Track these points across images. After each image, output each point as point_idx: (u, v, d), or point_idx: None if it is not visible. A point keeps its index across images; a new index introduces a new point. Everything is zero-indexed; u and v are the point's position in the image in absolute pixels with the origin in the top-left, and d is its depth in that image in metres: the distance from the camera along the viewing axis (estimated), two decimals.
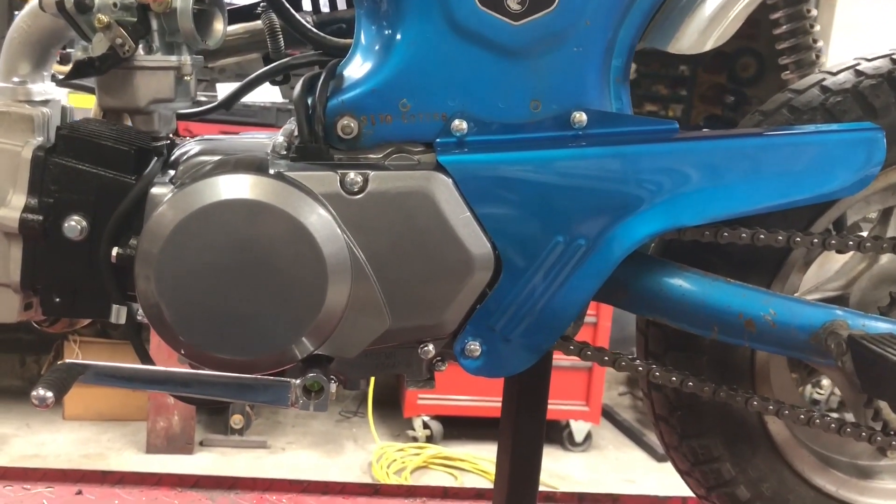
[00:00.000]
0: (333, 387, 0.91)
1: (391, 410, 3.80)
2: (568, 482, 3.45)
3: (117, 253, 0.93)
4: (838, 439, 1.09)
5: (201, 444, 3.47)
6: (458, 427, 3.63)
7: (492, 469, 3.42)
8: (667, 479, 3.66)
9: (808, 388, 1.34)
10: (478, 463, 3.48)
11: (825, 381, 1.36)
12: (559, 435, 3.73)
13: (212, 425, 3.56)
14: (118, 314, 0.95)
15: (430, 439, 3.62)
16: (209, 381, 0.90)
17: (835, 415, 1.06)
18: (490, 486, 3.39)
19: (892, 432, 1.05)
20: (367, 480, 3.33)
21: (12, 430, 3.46)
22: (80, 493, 1.58)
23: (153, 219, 0.88)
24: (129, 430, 3.54)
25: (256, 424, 3.62)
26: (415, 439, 3.61)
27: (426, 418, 3.62)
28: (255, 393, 0.89)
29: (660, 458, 3.63)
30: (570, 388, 3.63)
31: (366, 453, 3.54)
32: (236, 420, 3.48)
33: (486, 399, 3.44)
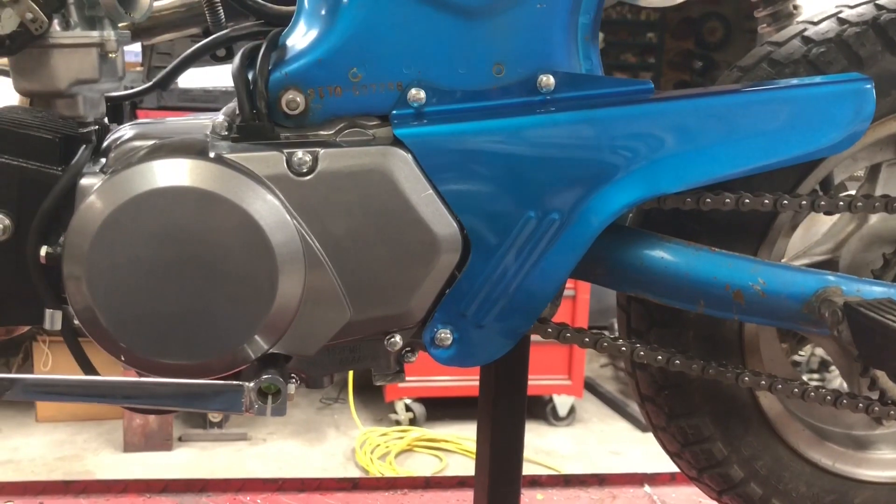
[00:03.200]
0: (292, 387, 0.84)
1: (372, 395, 3.74)
2: (553, 457, 3.43)
3: (46, 252, 0.84)
4: (833, 411, 1.04)
5: (180, 439, 3.39)
6: (441, 408, 3.59)
7: None
8: (653, 449, 3.66)
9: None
10: (462, 443, 3.44)
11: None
12: (542, 410, 3.70)
13: (190, 420, 3.49)
14: (52, 319, 0.86)
15: (413, 422, 3.57)
16: (154, 389, 0.81)
17: (816, 378, 1.01)
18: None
19: (889, 401, 1.00)
20: (351, 467, 3.28)
21: None
22: None
23: (80, 212, 0.79)
24: (105, 429, 3.45)
25: (236, 416, 3.55)
26: (398, 423, 3.57)
27: (408, 401, 3.57)
28: (204, 399, 0.81)
29: (644, 429, 3.62)
30: (551, 362, 3.60)
31: (349, 440, 3.48)
32: (214, 413, 3.41)
33: (469, 378, 3.41)
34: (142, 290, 0.80)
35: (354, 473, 3.21)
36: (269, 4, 0.98)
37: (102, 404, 2.96)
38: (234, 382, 0.81)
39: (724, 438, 1.06)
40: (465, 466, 3.31)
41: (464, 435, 3.48)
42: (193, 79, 3.27)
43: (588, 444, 3.61)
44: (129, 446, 3.30)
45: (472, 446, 3.36)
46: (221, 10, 1.02)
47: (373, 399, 3.75)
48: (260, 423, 3.58)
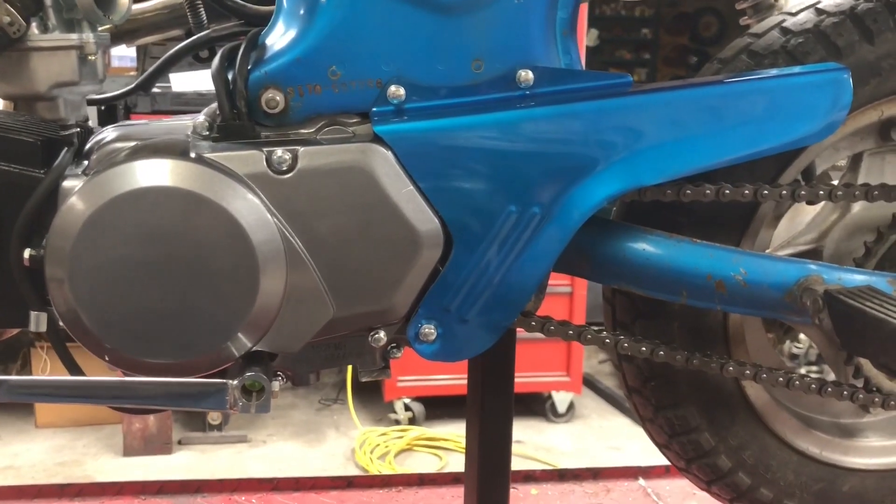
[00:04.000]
0: (277, 385, 0.84)
1: (371, 395, 3.75)
2: (553, 454, 3.43)
3: (30, 255, 0.84)
4: (819, 399, 1.04)
5: (180, 442, 3.39)
6: (440, 407, 3.59)
7: None
8: (651, 444, 3.66)
9: (787, 343, 1.29)
10: (462, 442, 3.43)
11: (803, 336, 1.31)
12: (542, 407, 3.70)
13: (190, 423, 3.49)
14: (37, 321, 0.87)
15: (412, 421, 3.57)
16: (138, 388, 0.82)
17: (814, 370, 1.01)
18: None
19: (873, 389, 1.01)
20: (351, 467, 3.28)
21: None
22: None
23: (61, 213, 0.80)
24: (105, 433, 3.45)
25: (235, 418, 3.55)
26: (397, 422, 3.57)
27: (407, 400, 3.57)
28: (188, 398, 0.81)
29: None
30: (550, 359, 3.60)
31: (348, 440, 3.49)
32: (214, 416, 3.41)
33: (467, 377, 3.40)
34: (124, 290, 0.80)
35: (354, 473, 3.22)
36: (249, 5, 0.98)
37: (99, 407, 2.94)
38: (218, 381, 0.82)
39: (710, 429, 1.06)
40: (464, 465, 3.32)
41: (463, 433, 3.48)
42: (187, 83, 3.28)
43: (587, 441, 3.61)
44: (128, 450, 3.31)
45: None
46: (203, 12, 1.02)
47: (372, 399, 3.75)
48: (259, 425, 3.58)
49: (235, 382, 0.82)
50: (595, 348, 4.37)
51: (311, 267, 0.84)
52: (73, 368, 0.89)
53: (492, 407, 1.08)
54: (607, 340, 0.97)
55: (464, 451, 3.44)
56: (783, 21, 1.00)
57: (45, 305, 0.87)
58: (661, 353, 0.97)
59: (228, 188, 0.80)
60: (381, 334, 0.91)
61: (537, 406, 3.72)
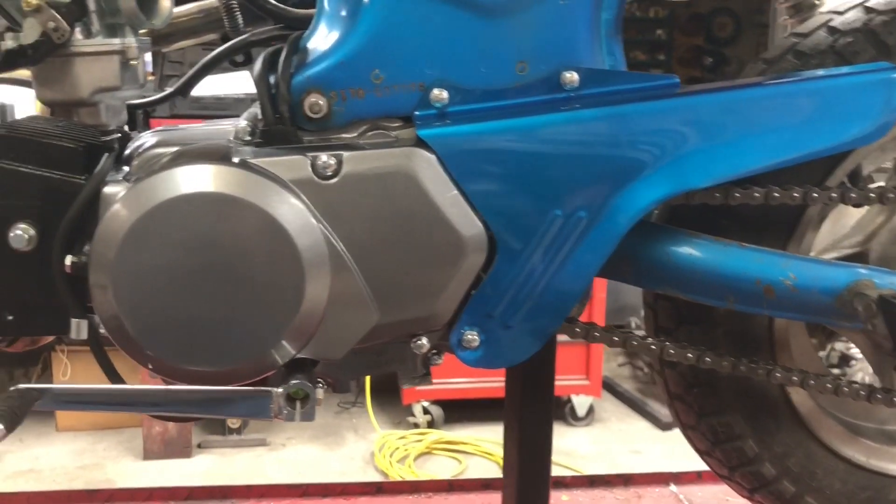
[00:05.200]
0: (320, 392, 0.83)
1: (390, 398, 3.73)
2: (573, 457, 3.41)
3: (72, 262, 0.84)
4: (865, 406, 1.02)
5: (199, 446, 3.39)
6: (458, 410, 3.57)
7: (496, 451, 3.37)
8: (672, 448, 3.65)
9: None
10: (481, 445, 3.42)
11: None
12: (561, 410, 3.68)
13: (209, 426, 3.49)
14: (78, 329, 0.86)
15: (431, 424, 3.56)
16: (182, 397, 0.81)
17: (838, 373, 0.99)
18: (496, 468, 3.35)
19: None
20: (370, 471, 3.27)
21: (4, 445, 3.37)
22: None
23: (105, 220, 0.79)
24: (125, 437, 3.46)
25: (255, 422, 3.55)
26: (416, 426, 3.55)
27: (426, 403, 3.56)
28: (233, 407, 0.80)
29: (663, 427, 3.60)
30: (569, 362, 3.58)
31: (367, 443, 3.48)
32: (233, 420, 3.41)
33: (486, 380, 3.39)
34: (169, 297, 0.79)
35: (374, 477, 3.21)
36: (288, 8, 0.97)
37: (126, 413, 2.96)
38: (263, 388, 0.80)
39: (755, 436, 1.05)
40: (484, 469, 3.30)
41: (482, 437, 3.47)
42: (205, 87, 3.28)
43: (607, 444, 3.59)
44: (148, 454, 3.31)
45: (492, 448, 3.37)
46: (239, 16, 1.01)
47: (390, 402, 3.74)
48: (278, 429, 3.58)
49: (280, 390, 0.81)
50: (614, 352, 4.34)
51: (356, 273, 0.83)
52: (114, 376, 0.88)
53: (531, 412, 1.06)
54: (653, 347, 0.95)
55: (483, 454, 3.42)
56: (830, 20, 0.98)
57: (86, 312, 0.86)
58: (708, 359, 0.95)
59: (275, 194, 0.79)
60: (424, 341, 0.89)
61: (557, 409, 3.69)
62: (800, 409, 1.05)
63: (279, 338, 0.81)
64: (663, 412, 3.71)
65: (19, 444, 3.40)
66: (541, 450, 1.08)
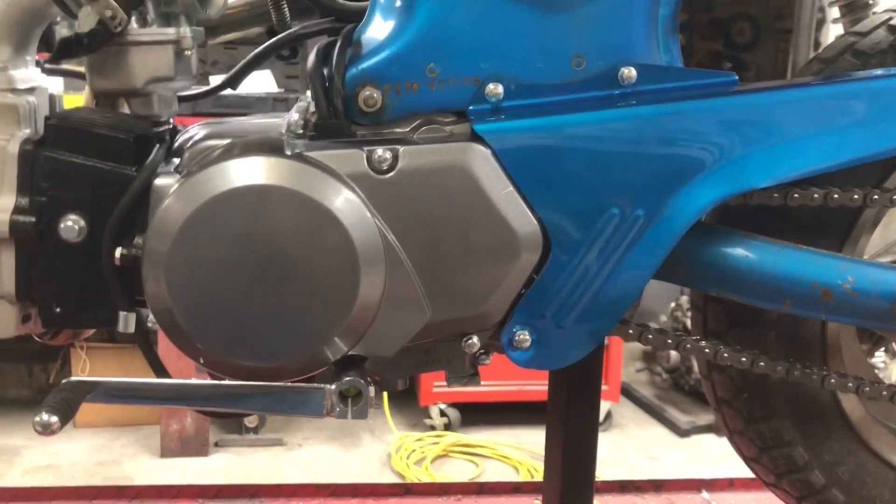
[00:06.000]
0: (372, 390, 0.82)
1: (407, 399, 3.72)
2: None
3: (121, 254, 0.82)
4: None
5: (216, 445, 3.39)
6: (475, 413, 3.56)
7: (513, 455, 3.35)
8: (690, 454, 3.62)
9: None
10: (498, 448, 3.40)
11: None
12: None
13: (226, 425, 3.48)
14: (126, 322, 0.85)
15: (448, 427, 3.54)
16: (233, 392, 0.80)
17: None
18: (513, 472, 3.33)
19: None
20: (387, 472, 3.26)
21: (23, 440, 3.38)
22: None
23: (159, 213, 0.78)
24: (143, 434, 3.46)
25: (271, 422, 3.54)
26: (433, 428, 3.54)
27: (443, 406, 3.54)
28: (284, 403, 0.79)
29: (681, 434, 3.57)
30: None
31: (384, 445, 3.46)
32: (251, 418, 3.40)
33: (503, 384, 3.38)
34: (222, 291, 0.78)
35: (390, 479, 3.19)
36: (340, 1, 0.96)
37: (137, 408, 2.93)
38: (317, 385, 0.79)
39: (805, 443, 1.02)
40: (501, 472, 3.28)
41: (500, 440, 3.45)
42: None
43: (626, 450, 3.56)
44: (165, 452, 3.30)
45: (508, 452, 3.35)
46: (286, 9, 1.00)
47: (407, 404, 3.72)
48: (295, 428, 3.57)
49: (333, 387, 0.79)
50: (631, 357, 4.32)
51: (409, 269, 0.82)
52: (161, 371, 0.87)
53: (578, 415, 1.04)
54: (706, 350, 0.93)
55: (500, 458, 3.39)
56: (891, 19, 0.96)
57: (134, 306, 0.85)
58: (762, 363, 0.93)
59: (330, 187, 0.78)
60: (475, 340, 0.88)
61: None
62: (851, 416, 1.03)
63: (332, 334, 0.79)
64: (681, 419, 3.68)
65: (38, 439, 3.40)
66: (586, 454, 1.07)
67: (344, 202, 0.78)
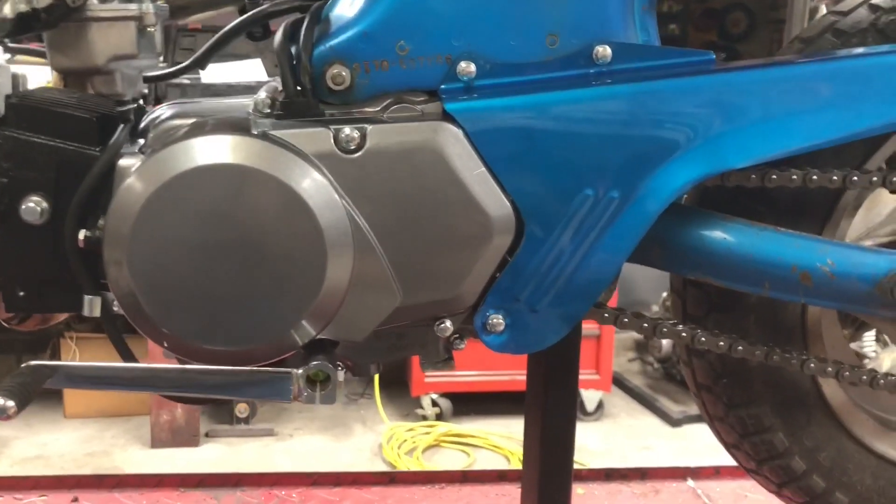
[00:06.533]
0: (341, 375, 0.80)
1: (399, 390, 3.71)
2: (583, 452, 3.37)
3: (85, 236, 0.81)
4: None
5: (207, 435, 3.38)
6: (467, 403, 3.55)
7: (505, 444, 3.35)
8: (682, 444, 3.62)
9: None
10: (489, 438, 3.40)
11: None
12: None
13: (217, 415, 3.47)
14: (91, 306, 0.83)
15: (439, 417, 3.53)
16: (198, 377, 0.78)
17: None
18: (504, 461, 3.32)
19: None
20: (378, 462, 3.25)
21: (13, 431, 3.37)
22: (76, 500, 1.48)
23: (120, 193, 0.76)
24: (133, 425, 3.45)
25: (262, 412, 3.53)
26: (424, 418, 3.53)
27: (435, 396, 3.53)
28: (251, 388, 0.77)
29: (673, 424, 3.57)
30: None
31: (375, 435, 3.46)
32: (241, 409, 3.39)
33: (495, 373, 3.38)
34: (186, 273, 0.76)
35: (382, 468, 3.18)
36: None
37: (127, 398, 2.92)
38: (283, 370, 0.78)
39: (785, 429, 1.01)
40: (493, 462, 3.28)
41: (491, 430, 3.45)
42: (216, 75, 3.25)
43: (617, 440, 3.55)
44: (156, 442, 3.29)
45: (500, 441, 3.34)
46: None
47: (399, 394, 3.72)
48: (286, 419, 3.56)
49: (300, 371, 0.78)
50: (623, 347, 4.31)
51: (379, 251, 0.80)
52: (128, 356, 0.85)
53: (555, 402, 1.03)
54: (683, 334, 0.92)
55: (492, 447, 3.39)
56: None
57: (100, 289, 0.84)
58: (740, 348, 0.92)
59: (296, 166, 0.76)
60: (448, 324, 0.86)
61: None
62: (831, 402, 1.02)
63: (299, 317, 0.78)
64: (673, 408, 3.67)
65: (27, 429, 3.39)
66: (563, 441, 1.05)
67: (309, 182, 0.76)
